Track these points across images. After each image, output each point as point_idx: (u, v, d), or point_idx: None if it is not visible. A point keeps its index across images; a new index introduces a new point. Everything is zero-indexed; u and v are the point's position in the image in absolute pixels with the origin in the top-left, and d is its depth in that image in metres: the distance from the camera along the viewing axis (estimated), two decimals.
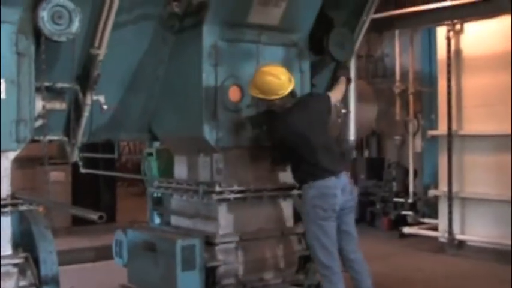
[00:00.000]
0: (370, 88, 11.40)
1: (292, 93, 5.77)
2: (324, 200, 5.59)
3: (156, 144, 7.22)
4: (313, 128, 5.69)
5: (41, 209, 5.36)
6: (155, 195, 7.07)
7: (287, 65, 6.16)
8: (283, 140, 5.72)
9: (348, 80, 6.47)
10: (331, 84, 6.61)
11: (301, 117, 5.70)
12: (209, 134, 5.74)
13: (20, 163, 5.22)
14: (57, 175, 11.09)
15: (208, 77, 5.73)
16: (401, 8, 9.84)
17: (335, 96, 6.20)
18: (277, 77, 5.65)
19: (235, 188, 5.93)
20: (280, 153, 5.92)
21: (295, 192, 6.20)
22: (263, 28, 6.00)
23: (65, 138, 5.60)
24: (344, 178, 5.73)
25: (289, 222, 6.33)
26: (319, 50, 6.50)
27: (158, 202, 7.05)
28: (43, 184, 10.98)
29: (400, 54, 11.41)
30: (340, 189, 5.65)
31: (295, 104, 5.77)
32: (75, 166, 8.97)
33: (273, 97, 5.66)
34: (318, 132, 5.73)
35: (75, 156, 5.67)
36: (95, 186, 12.80)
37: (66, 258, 7.50)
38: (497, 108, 9.06)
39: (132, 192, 17.65)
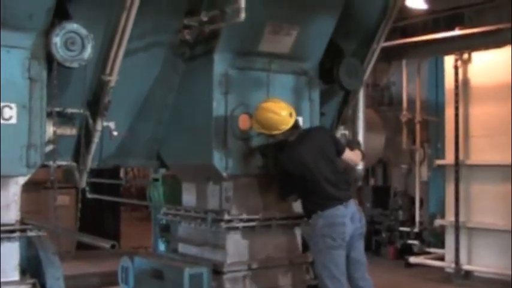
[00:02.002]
0: (378, 117, 11.41)
1: (296, 126, 5.81)
2: (333, 229, 5.60)
3: (162, 170, 7.22)
4: (318, 159, 5.73)
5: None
6: (162, 221, 7.06)
7: (297, 93, 6.22)
8: (290, 171, 5.75)
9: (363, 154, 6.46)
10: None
11: (306, 149, 5.74)
12: (218, 161, 5.74)
13: (24, 186, 5.22)
14: (62, 199, 11.05)
15: (219, 105, 5.75)
16: (408, 36, 9.88)
17: (353, 155, 6.19)
18: (278, 113, 5.69)
19: (244, 216, 5.93)
20: (288, 185, 5.94)
21: (304, 220, 6.20)
22: (274, 56, 6.04)
23: (74, 164, 5.61)
24: (352, 206, 5.76)
25: (298, 251, 6.32)
26: (329, 79, 6.54)
27: (165, 229, 7.04)
28: (47, 208, 10.97)
29: (407, 82, 11.44)
30: (349, 218, 5.68)
31: (300, 136, 5.82)
32: (79, 190, 8.97)
33: (274, 132, 5.73)
34: (324, 162, 5.76)
35: (84, 181, 5.67)
36: (99, 211, 12.75)
37: (71, 283, 7.45)
38: (505, 138, 9.04)
39: (136, 217, 17.61)
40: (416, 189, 11.41)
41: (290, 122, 5.73)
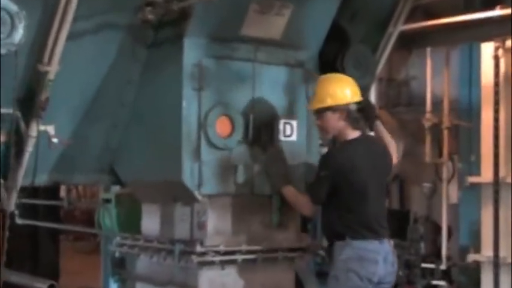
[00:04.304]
0: (394, 120, 11.46)
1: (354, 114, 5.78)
2: (361, 265, 5.60)
3: (116, 187, 7.23)
4: (373, 176, 5.76)
5: None
6: (115, 254, 7.07)
7: (290, 89, 6.27)
8: (335, 172, 5.68)
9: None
10: None
11: (367, 156, 5.78)
12: (189, 177, 5.76)
13: None
14: None
15: (190, 105, 5.77)
16: (434, 18, 9.92)
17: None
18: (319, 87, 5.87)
19: (222, 248, 5.94)
20: (324, 189, 5.78)
21: (298, 254, 6.26)
22: (261, 43, 6.08)
23: (1, 180, 5.60)
24: (387, 245, 5.78)
25: None
26: (332, 72, 6.55)
27: (119, 264, 7.05)
28: None
29: (431, 77, 11.48)
30: (383, 257, 5.69)
31: (362, 139, 5.86)
32: (6, 214, 8.93)
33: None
34: (377, 185, 5.80)
35: (12, 203, 5.67)
36: (33, 241, 12.73)
37: None
38: None
39: (81, 248, 17.60)
40: (442, 214, 11.44)
41: (315, 105, 5.81)
